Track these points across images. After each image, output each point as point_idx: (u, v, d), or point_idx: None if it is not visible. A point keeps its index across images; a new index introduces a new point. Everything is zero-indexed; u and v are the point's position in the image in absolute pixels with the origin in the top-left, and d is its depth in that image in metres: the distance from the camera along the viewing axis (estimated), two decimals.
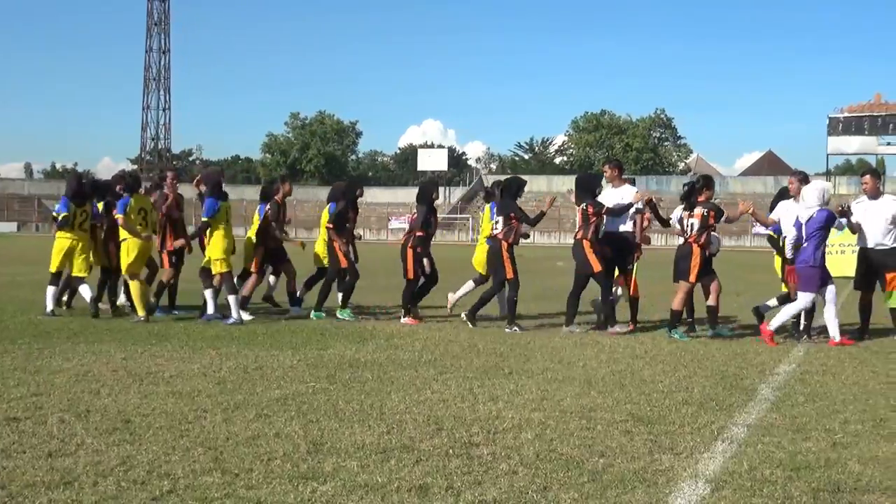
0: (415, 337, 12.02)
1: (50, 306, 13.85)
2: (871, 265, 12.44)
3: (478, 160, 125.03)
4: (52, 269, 14.04)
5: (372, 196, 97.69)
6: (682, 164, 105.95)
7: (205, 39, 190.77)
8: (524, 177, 13.87)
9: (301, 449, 6.17)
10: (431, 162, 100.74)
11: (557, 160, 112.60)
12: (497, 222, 13.41)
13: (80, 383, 8.40)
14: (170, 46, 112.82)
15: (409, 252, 13.76)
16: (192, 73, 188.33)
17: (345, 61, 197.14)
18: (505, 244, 13.03)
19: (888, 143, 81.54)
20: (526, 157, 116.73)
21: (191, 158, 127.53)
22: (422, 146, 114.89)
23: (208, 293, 13.67)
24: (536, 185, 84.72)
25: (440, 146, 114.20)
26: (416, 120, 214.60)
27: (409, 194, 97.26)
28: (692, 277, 12.30)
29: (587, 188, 13.28)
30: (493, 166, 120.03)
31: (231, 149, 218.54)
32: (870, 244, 12.34)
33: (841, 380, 9.34)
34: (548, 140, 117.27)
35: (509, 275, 12.98)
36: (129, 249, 13.28)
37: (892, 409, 7.86)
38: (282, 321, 13.72)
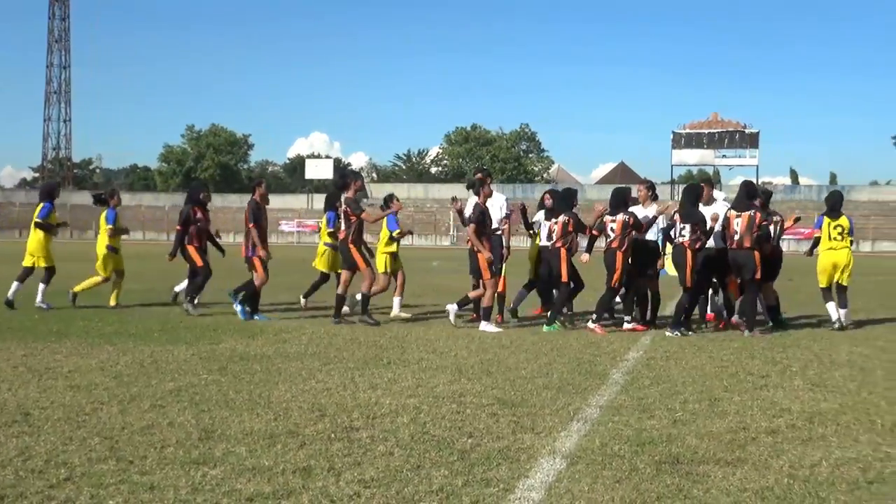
0: (302, 331, 11.92)
1: (113, 302, 15.02)
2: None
3: (361, 169, 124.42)
4: (106, 273, 15.23)
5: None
6: (546, 173, 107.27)
7: (104, 54, 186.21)
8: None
9: (193, 436, 6.07)
10: (318, 171, 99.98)
11: (433, 170, 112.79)
12: (551, 230, 13.01)
13: None
14: (70, 62, 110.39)
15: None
16: (93, 86, 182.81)
17: (237, 76, 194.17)
18: (563, 250, 12.72)
19: (723, 156, 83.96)
20: (403, 167, 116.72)
21: (91, 167, 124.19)
22: (309, 156, 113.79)
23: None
24: (414, 192, 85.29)
25: (327, 157, 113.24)
26: (304, 132, 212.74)
27: (297, 200, 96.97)
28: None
29: (621, 201, 12.97)
30: (375, 175, 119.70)
31: (130, 158, 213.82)
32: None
33: (682, 365, 9.58)
34: (423, 151, 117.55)
35: (564, 278, 12.72)
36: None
37: (725, 390, 8.10)
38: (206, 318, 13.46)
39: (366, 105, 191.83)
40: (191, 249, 14.22)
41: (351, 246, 12.98)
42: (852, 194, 77.71)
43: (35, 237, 15.09)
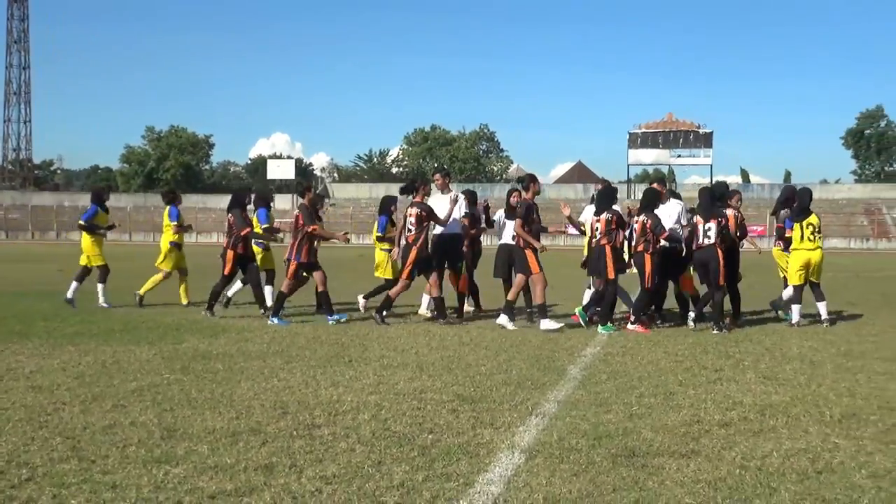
0: (264, 330, 11.87)
1: (184, 301, 15.27)
2: (665, 261, 12.85)
3: (322, 170, 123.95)
4: (168, 267, 15.56)
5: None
6: (505, 173, 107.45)
7: (63, 55, 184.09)
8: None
9: (155, 435, 6.03)
10: (280, 171, 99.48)
11: (394, 170, 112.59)
12: (596, 228, 12.75)
13: None
14: (30, 63, 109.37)
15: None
16: (53, 87, 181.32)
17: (197, 77, 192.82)
18: (608, 247, 12.48)
19: (678, 156, 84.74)
20: (365, 167, 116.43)
21: (52, 168, 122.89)
22: (271, 157, 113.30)
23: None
24: (375, 192, 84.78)
25: (288, 157, 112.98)
26: (266, 133, 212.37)
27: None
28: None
29: (653, 202, 12.93)
30: (336, 175, 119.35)
31: (91, 159, 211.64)
32: (661, 243, 12.75)
33: (638, 360, 9.65)
34: (384, 152, 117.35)
35: (611, 275, 12.51)
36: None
37: (680, 384, 8.17)
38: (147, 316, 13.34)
39: (327, 106, 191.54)
40: (231, 255, 13.78)
41: (415, 249, 12.74)
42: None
43: (85, 239, 15.32)
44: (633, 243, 12.72)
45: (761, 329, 12.63)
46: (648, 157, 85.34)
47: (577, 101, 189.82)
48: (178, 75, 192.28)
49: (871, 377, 8.70)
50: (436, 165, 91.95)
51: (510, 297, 12.62)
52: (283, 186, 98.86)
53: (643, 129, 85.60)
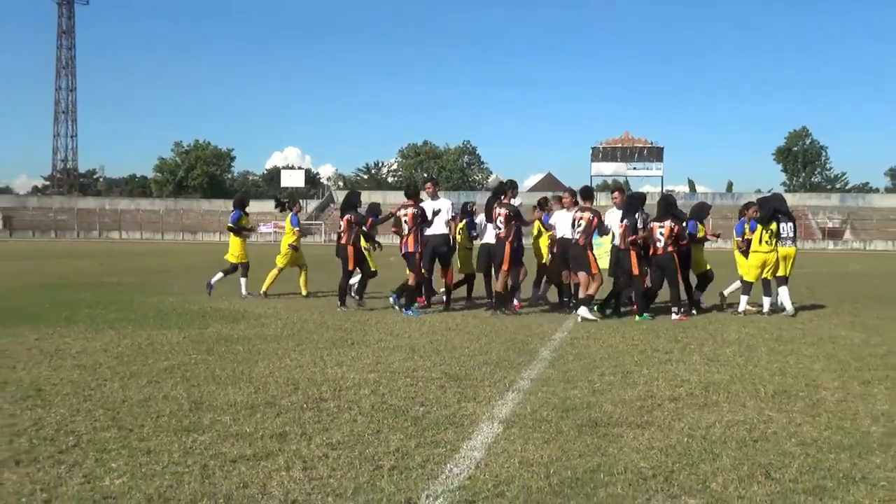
0: (277, 317, 11.84)
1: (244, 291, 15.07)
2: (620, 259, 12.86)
3: (328, 179, 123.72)
4: (282, 264, 15.45)
5: (248, 207, 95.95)
6: (485, 182, 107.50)
7: (106, 78, 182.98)
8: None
9: (184, 407, 6.00)
10: (292, 180, 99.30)
11: (389, 179, 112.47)
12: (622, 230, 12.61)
13: None
14: (76, 86, 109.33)
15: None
16: (95, 106, 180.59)
17: (220, 98, 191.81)
18: (632, 250, 12.40)
19: (634, 168, 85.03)
20: (365, 177, 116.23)
21: (95, 176, 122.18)
22: (284, 168, 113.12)
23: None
24: (373, 198, 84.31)
25: (299, 168, 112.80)
26: (280, 147, 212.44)
27: (273, 206, 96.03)
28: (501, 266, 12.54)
29: (673, 205, 12.79)
30: (341, 183, 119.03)
31: (129, 168, 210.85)
32: (618, 243, 12.75)
33: (600, 343, 9.66)
34: (381, 164, 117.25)
35: (636, 272, 12.36)
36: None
37: (636, 365, 8.18)
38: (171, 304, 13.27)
39: (333, 123, 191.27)
40: (352, 250, 13.38)
41: (509, 244, 12.45)
42: (741, 200, 78.82)
43: (232, 240, 15.50)
44: (661, 245, 12.48)
45: (705, 318, 12.66)
46: (608, 169, 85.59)
47: (546, 120, 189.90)
48: (203, 96, 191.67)
49: (799, 359, 8.74)
50: (425, 175, 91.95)
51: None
52: (294, 193, 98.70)
53: (604, 145, 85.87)
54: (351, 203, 13.83)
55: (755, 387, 7.14)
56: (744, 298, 13.25)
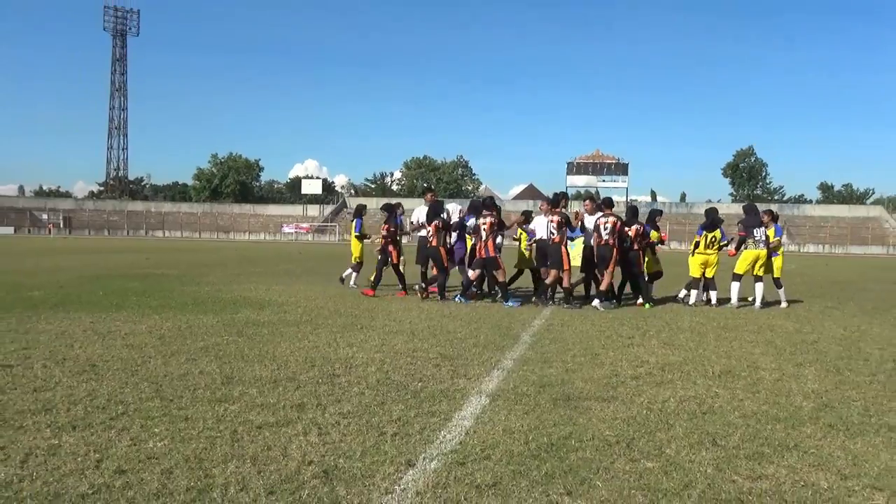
0: (297, 305, 11.81)
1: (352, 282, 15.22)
2: (592, 257, 12.90)
3: (342, 187, 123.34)
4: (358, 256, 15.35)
5: (272, 210, 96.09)
6: (476, 192, 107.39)
7: (152, 98, 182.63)
8: None
9: (217, 381, 5.99)
10: (311, 188, 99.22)
11: (394, 188, 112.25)
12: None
13: (59, 340, 7.89)
14: (127, 105, 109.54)
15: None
16: (144, 123, 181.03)
17: (250, 116, 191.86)
18: (639, 251, 12.72)
19: (603, 180, 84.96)
20: (372, 186, 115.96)
21: (143, 183, 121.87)
22: (304, 177, 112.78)
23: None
24: (380, 204, 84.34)
25: (317, 177, 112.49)
26: (301, 159, 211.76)
27: (294, 209, 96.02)
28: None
29: (636, 213, 13.05)
30: (353, 191, 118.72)
31: (172, 176, 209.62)
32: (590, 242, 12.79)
33: (572, 329, 9.66)
34: (388, 174, 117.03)
35: (640, 269, 12.71)
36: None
37: (603, 348, 8.18)
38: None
39: (347, 139, 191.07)
40: (443, 251, 13.12)
41: (563, 248, 12.33)
42: (694, 209, 79.08)
43: (354, 242, 15.59)
44: (629, 244, 12.62)
45: (662, 308, 12.67)
46: (581, 181, 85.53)
47: (529, 138, 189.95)
48: (236, 115, 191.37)
49: (742, 344, 8.76)
50: (425, 185, 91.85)
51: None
52: (313, 199, 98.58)
53: (577, 161, 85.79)
54: (436, 211, 13.52)
55: (704, 367, 7.16)
56: (693, 293, 13.27)
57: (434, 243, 13.10)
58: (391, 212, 14.39)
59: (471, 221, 13.77)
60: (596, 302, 12.19)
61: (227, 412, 5.06)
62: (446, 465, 4.09)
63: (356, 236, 15.46)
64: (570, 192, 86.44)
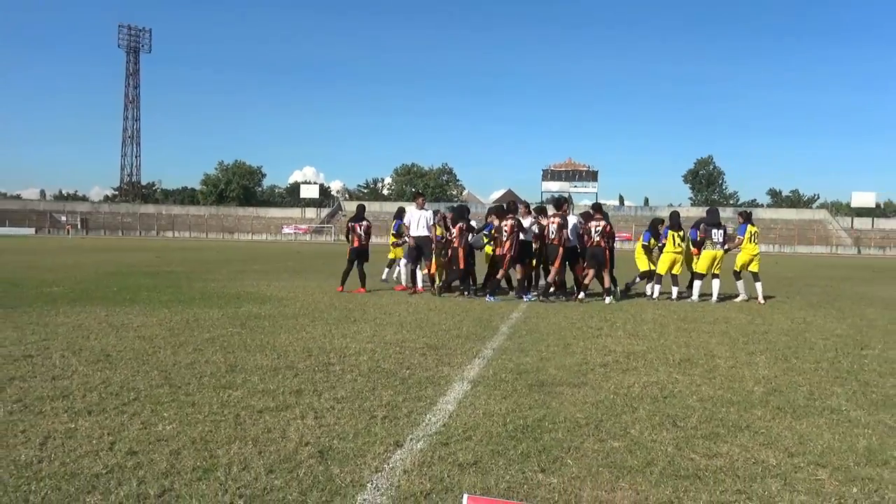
0: (296, 299, 11.76)
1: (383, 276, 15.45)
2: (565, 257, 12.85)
3: (338, 192, 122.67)
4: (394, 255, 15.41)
5: (273, 213, 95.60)
6: (460, 196, 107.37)
7: (162, 109, 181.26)
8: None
9: (222, 370, 5.95)
10: (309, 193, 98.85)
11: (385, 192, 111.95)
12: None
13: (76, 332, 7.81)
14: (140, 116, 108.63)
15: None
16: (156, 132, 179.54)
17: (254, 124, 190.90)
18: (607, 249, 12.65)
19: (575, 186, 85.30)
20: (365, 190, 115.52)
21: (154, 188, 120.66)
22: (303, 183, 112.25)
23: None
24: (372, 207, 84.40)
25: (314, 183, 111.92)
26: (299, 166, 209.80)
27: (294, 212, 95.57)
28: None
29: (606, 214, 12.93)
30: (347, 195, 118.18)
31: (181, 182, 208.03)
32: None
33: (546, 321, 9.68)
34: (380, 180, 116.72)
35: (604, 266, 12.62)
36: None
37: (574, 338, 8.19)
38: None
39: (342, 147, 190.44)
40: (462, 252, 13.03)
41: (562, 248, 12.46)
42: (657, 212, 79.34)
43: (392, 241, 15.49)
44: (588, 241, 12.59)
45: (628, 302, 12.72)
46: (555, 186, 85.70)
47: (508, 147, 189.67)
48: (240, 125, 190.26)
49: (700, 335, 8.81)
50: (414, 190, 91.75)
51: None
52: (311, 203, 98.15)
53: (552, 168, 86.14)
54: (462, 215, 13.44)
55: (666, 356, 7.19)
56: (657, 287, 13.32)
57: (456, 244, 13.11)
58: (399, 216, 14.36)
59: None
60: (608, 299, 12.38)
61: (230, 398, 5.03)
62: (431, 446, 4.09)
63: (392, 234, 15.38)
64: (546, 196, 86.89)
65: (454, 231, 13.17)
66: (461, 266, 13.03)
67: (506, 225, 12.56)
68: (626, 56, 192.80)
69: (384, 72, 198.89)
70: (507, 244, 12.38)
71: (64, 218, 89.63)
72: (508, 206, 13.07)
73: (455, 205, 15.65)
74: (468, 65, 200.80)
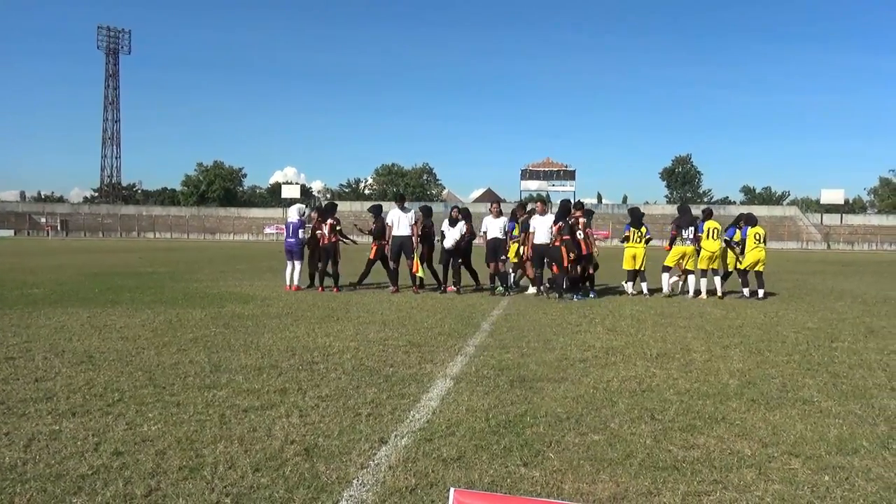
0: (279, 299, 11.70)
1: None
2: (541, 254, 12.93)
3: (319, 192, 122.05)
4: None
5: (255, 213, 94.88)
6: (440, 196, 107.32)
7: (142, 110, 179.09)
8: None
9: (206, 370, 5.91)
10: (290, 192, 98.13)
11: (366, 192, 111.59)
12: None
13: (58, 333, 7.72)
14: (119, 118, 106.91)
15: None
16: (136, 133, 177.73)
17: (234, 125, 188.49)
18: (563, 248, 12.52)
19: (553, 185, 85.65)
20: (347, 190, 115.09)
21: (134, 189, 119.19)
22: (284, 183, 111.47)
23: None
24: (353, 207, 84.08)
25: (296, 183, 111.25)
26: (280, 166, 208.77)
27: (275, 212, 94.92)
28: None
29: (567, 213, 12.75)
30: (328, 195, 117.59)
31: (162, 183, 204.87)
32: (540, 241, 12.86)
33: (527, 318, 9.72)
34: (360, 180, 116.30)
35: (566, 263, 12.51)
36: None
37: (554, 334, 8.23)
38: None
39: (323, 148, 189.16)
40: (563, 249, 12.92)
41: (563, 248, 12.39)
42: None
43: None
44: (552, 239, 12.61)
45: (606, 299, 12.81)
46: (534, 185, 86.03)
47: (488, 147, 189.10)
48: (220, 126, 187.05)
49: (676, 330, 8.89)
50: (395, 190, 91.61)
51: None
52: (291, 202, 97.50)
53: (530, 167, 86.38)
54: (428, 213, 13.81)
55: (643, 350, 7.25)
56: (629, 284, 13.54)
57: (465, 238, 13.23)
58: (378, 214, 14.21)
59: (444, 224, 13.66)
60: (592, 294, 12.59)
61: (215, 398, 5.00)
62: (415, 442, 4.10)
63: (368, 232, 15.24)
64: (525, 195, 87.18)
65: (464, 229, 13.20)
66: (564, 265, 12.55)
67: (574, 224, 12.61)
68: (602, 56, 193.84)
69: (364, 72, 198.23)
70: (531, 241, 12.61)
71: (44, 219, 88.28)
72: (522, 206, 13.24)
73: (425, 204, 15.63)
74: (448, 65, 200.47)
